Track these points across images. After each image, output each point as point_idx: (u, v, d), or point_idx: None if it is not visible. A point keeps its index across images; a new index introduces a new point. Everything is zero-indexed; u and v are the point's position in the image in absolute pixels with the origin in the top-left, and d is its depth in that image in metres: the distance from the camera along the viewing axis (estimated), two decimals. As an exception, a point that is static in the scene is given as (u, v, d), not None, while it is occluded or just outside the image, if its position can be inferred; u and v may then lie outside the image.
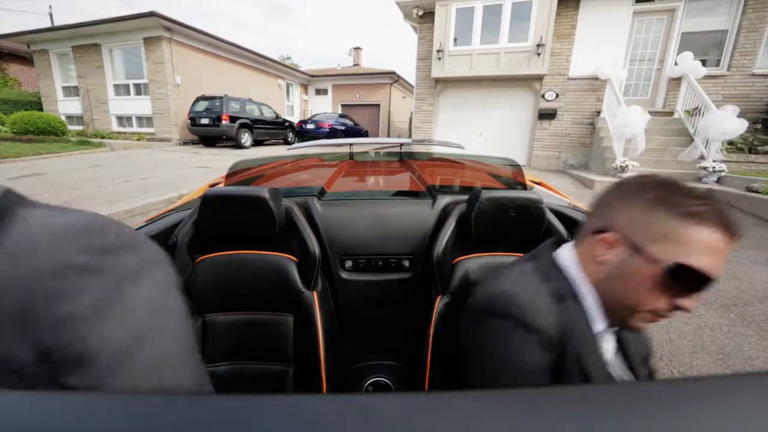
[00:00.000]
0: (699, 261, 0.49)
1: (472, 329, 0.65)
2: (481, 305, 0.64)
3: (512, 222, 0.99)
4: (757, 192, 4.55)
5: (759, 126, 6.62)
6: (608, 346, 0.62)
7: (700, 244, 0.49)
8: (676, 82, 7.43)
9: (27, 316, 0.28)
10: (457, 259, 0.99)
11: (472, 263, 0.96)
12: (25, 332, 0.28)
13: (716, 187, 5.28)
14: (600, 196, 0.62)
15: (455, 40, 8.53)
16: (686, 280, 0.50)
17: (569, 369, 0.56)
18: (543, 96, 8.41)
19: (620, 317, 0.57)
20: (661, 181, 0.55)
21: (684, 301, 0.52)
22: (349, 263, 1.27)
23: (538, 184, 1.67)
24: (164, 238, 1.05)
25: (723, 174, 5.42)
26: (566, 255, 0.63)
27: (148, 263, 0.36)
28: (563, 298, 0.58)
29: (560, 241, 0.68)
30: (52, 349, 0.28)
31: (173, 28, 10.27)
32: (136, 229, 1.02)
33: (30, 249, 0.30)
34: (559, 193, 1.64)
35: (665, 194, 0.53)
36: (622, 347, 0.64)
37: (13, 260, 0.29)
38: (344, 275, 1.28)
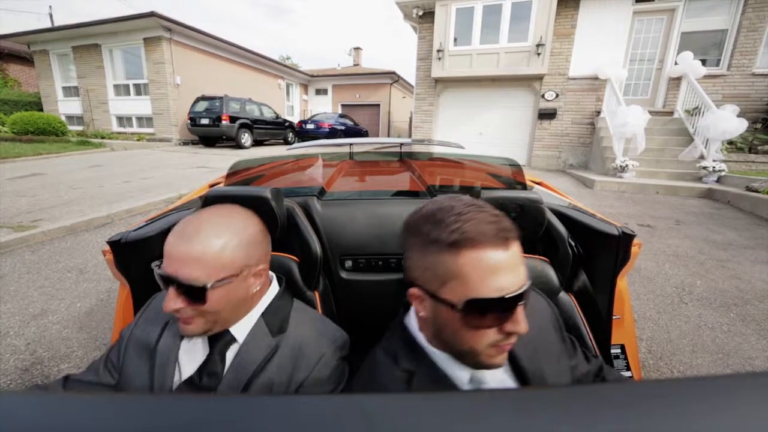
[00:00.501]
0: (486, 288, 0.46)
1: None
2: None
3: (512, 222, 0.99)
4: (757, 191, 4.55)
5: (759, 125, 6.62)
6: (496, 377, 0.58)
7: (476, 271, 0.46)
8: (676, 81, 7.43)
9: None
10: None
11: None
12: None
13: (716, 186, 5.29)
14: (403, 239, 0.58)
15: (455, 40, 8.53)
16: (491, 308, 0.47)
17: None
18: (543, 96, 8.41)
19: (473, 361, 0.52)
20: (426, 214, 0.52)
21: (509, 326, 0.48)
22: (349, 263, 1.27)
23: (538, 184, 1.67)
24: (164, 238, 1.05)
25: (723, 173, 5.42)
26: (411, 321, 0.61)
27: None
28: (411, 374, 0.55)
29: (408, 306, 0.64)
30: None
31: (173, 28, 10.27)
32: (136, 229, 1.02)
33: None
34: (559, 193, 1.64)
35: (430, 230, 0.50)
36: (516, 366, 0.59)
37: None
38: (344, 275, 1.28)
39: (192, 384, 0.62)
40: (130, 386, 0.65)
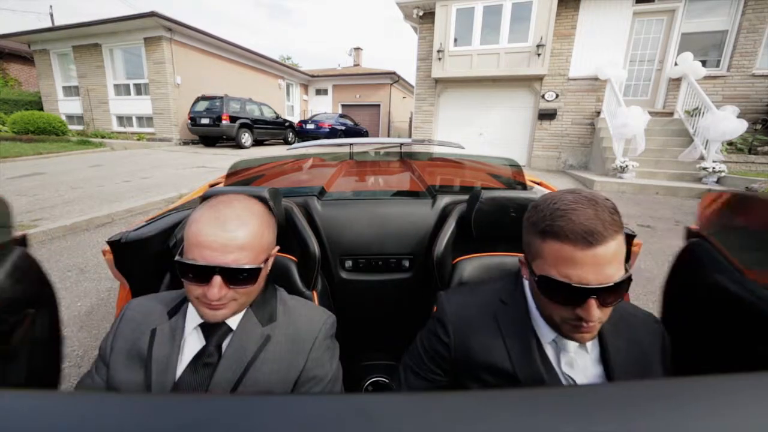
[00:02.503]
0: (557, 272, 0.55)
1: None
2: None
3: (512, 222, 0.99)
4: (756, 192, 4.54)
5: (759, 126, 6.63)
6: (582, 359, 0.67)
7: (551, 257, 0.56)
8: (676, 82, 7.43)
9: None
10: (457, 259, 0.99)
11: (472, 263, 0.96)
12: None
13: (716, 187, 5.28)
14: None
15: (455, 40, 8.53)
16: (561, 290, 0.56)
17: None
18: (543, 96, 8.41)
19: (554, 327, 0.64)
20: (538, 202, 0.63)
21: (579, 311, 0.56)
22: (349, 263, 1.27)
23: (537, 184, 1.67)
24: (164, 238, 1.05)
25: (723, 174, 5.42)
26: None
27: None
28: (505, 304, 0.72)
29: None
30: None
31: (174, 28, 10.27)
32: (137, 229, 1.02)
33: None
34: (559, 193, 1.63)
35: (533, 217, 0.61)
36: (604, 356, 0.66)
37: None
38: (344, 275, 1.28)
39: (189, 373, 0.63)
40: (123, 386, 0.65)
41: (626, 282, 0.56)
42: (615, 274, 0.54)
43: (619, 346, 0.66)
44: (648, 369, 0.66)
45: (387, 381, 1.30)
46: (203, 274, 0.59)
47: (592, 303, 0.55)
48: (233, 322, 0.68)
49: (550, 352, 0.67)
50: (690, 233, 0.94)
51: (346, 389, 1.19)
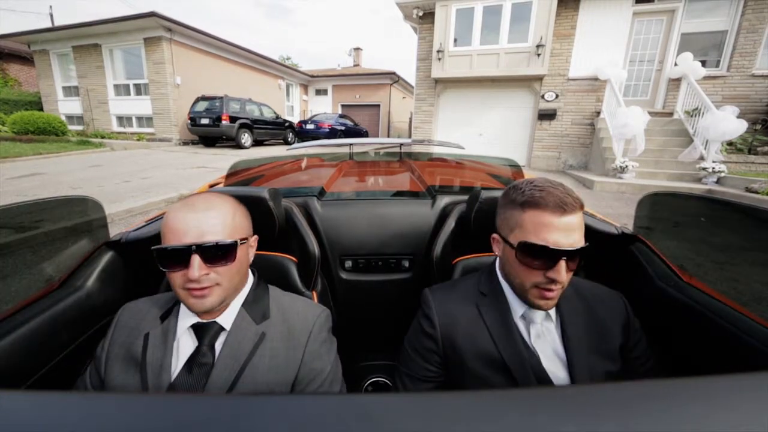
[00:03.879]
0: (536, 237, 0.64)
1: None
2: None
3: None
4: (756, 192, 4.55)
5: (758, 127, 6.63)
6: (544, 325, 0.74)
7: (531, 224, 0.65)
8: (675, 82, 7.43)
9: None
10: (457, 259, 0.99)
11: (471, 263, 0.96)
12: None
13: (716, 187, 5.29)
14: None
15: (455, 40, 8.53)
16: (538, 254, 0.64)
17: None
18: (543, 96, 8.41)
19: (523, 296, 0.71)
20: (514, 185, 0.72)
21: (550, 273, 0.64)
22: (348, 263, 1.27)
23: (537, 184, 1.66)
24: None
25: (722, 175, 5.43)
26: (496, 263, 0.81)
27: None
28: (484, 295, 0.78)
29: None
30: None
31: (173, 28, 10.27)
32: (136, 230, 1.02)
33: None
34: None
35: (511, 193, 0.71)
36: (563, 329, 0.73)
37: None
38: (344, 275, 1.28)
39: (184, 375, 0.63)
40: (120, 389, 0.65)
41: (586, 250, 0.65)
42: (579, 241, 0.64)
43: (576, 316, 0.74)
44: (605, 338, 0.74)
45: (387, 381, 1.30)
46: (181, 257, 0.61)
47: (563, 264, 0.63)
48: (226, 322, 0.68)
49: (522, 327, 0.74)
50: (629, 238, 0.98)
51: (346, 389, 1.20)
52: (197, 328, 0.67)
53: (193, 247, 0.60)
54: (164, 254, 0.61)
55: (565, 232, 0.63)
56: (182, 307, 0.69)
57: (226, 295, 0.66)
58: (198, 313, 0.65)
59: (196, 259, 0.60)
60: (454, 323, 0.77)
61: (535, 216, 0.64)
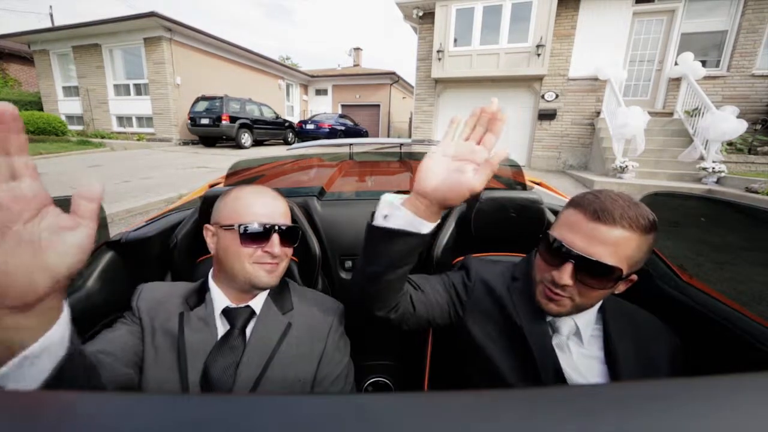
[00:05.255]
0: (558, 232, 0.63)
1: None
2: None
3: (512, 222, 0.99)
4: (756, 192, 4.55)
5: (758, 127, 6.62)
6: (562, 336, 0.69)
7: (563, 220, 0.64)
8: (675, 82, 7.43)
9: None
10: (457, 259, 0.99)
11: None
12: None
13: (716, 187, 5.29)
14: None
15: (455, 40, 8.53)
16: (550, 248, 0.63)
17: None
18: (543, 96, 8.41)
19: (536, 291, 0.69)
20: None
21: (555, 272, 0.61)
22: (349, 263, 1.27)
23: (537, 184, 1.67)
24: (164, 238, 1.05)
25: (722, 175, 5.42)
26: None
27: None
28: (516, 280, 0.77)
29: None
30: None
31: (173, 28, 10.26)
32: (136, 229, 1.02)
33: None
34: (558, 193, 1.64)
35: (578, 195, 0.67)
36: (608, 345, 0.67)
37: None
38: (344, 275, 1.28)
39: (215, 357, 0.65)
40: (153, 365, 0.65)
41: (611, 271, 0.57)
42: (605, 256, 0.57)
43: (627, 350, 0.65)
44: (650, 362, 0.65)
45: (387, 381, 1.30)
46: (263, 234, 0.69)
47: (568, 267, 0.59)
48: (256, 306, 0.72)
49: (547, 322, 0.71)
50: None
51: None
52: (228, 313, 0.70)
53: (276, 226, 0.70)
54: (248, 231, 0.68)
55: (589, 239, 0.58)
56: (214, 294, 0.72)
57: (281, 274, 0.73)
58: (258, 288, 0.71)
59: (276, 238, 0.69)
60: (487, 290, 0.77)
61: (571, 214, 0.63)
